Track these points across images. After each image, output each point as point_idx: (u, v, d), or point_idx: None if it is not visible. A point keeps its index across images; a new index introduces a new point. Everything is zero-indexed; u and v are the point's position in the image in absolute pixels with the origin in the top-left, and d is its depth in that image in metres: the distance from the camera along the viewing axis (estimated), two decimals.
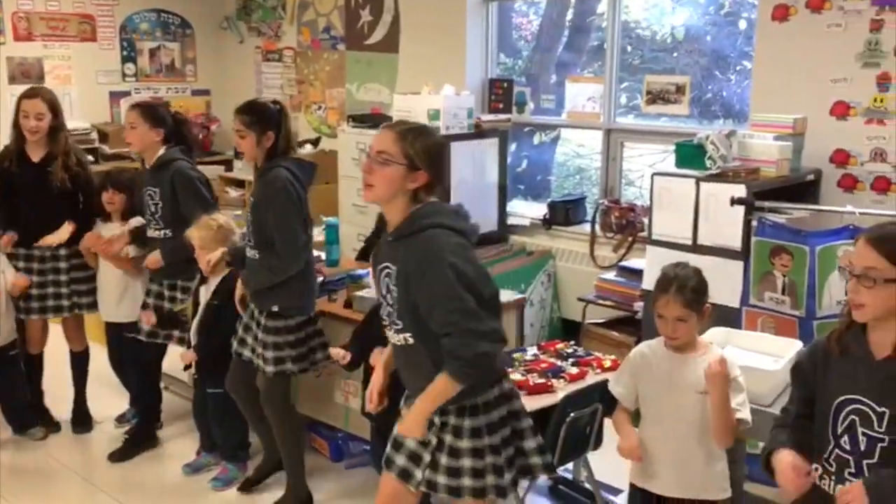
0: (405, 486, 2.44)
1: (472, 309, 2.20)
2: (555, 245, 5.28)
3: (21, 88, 4.25)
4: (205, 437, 3.79)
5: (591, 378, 3.16)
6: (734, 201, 3.58)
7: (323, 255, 4.09)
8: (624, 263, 4.67)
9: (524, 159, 6.06)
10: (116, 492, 3.63)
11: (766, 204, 3.58)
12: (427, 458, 2.39)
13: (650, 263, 3.93)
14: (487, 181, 5.31)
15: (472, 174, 5.19)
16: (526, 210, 5.66)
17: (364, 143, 4.97)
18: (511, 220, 5.52)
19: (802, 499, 1.97)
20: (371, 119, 5.55)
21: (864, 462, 1.85)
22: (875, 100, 4.02)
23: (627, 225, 4.87)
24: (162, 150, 3.69)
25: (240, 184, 6.36)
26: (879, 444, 1.83)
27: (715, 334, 3.20)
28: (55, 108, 3.82)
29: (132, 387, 4.10)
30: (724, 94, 5.16)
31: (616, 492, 3.39)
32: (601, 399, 2.99)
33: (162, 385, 4.20)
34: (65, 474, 3.78)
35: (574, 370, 3.21)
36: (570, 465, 3.47)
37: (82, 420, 4.16)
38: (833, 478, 1.92)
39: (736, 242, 3.63)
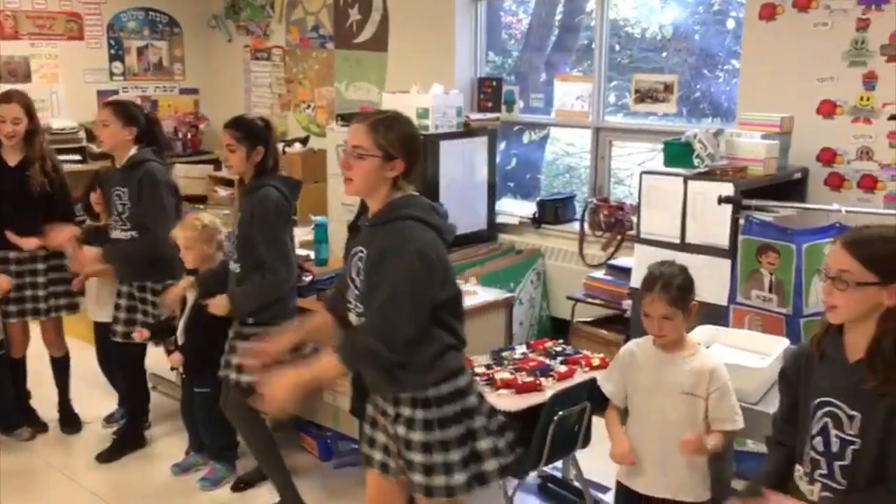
0: (387, 479, 2.46)
1: (402, 313, 2.23)
2: (544, 244, 5.29)
3: (7, 87, 4.24)
4: (193, 437, 3.77)
5: (580, 376, 3.17)
6: (722, 200, 3.59)
7: (312, 255, 4.09)
8: (613, 262, 4.68)
9: (513, 158, 6.06)
10: (104, 492, 3.61)
11: (754, 202, 3.59)
12: (393, 447, 2.42)
13: (639, 262, 3.94)
14: (476, 180, 5.31)
15: (462, 173, 5.19)
16: (515, 209, 5.66)
17: None
18: (500, 219, 5.52)
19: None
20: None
21: (836, 464, 1.86)
22: (861, 98, 4.04)
23: (616, 223, 4.88)
24: (134, 150, 3.65)
25: (228, 182, 6.34)
26: (851, 447, 1.84)
27: (702, 332, 3.21)
28: (31, 112, 3.79)
29: (119, 387, 4.08)
30: (713, 93, 5.17)
31: (604, 489, 3.40)
32: (589, 397, 3.00)
33: (150, 385, 4.19)
34: (52, 475, 3.76)
35: (562, 368, 3.22)
36: (558, 464, 3.47)
37: (70, 421, 4.14)
38: (807, 478, 1.94)
39: (723, 241, 3.65)
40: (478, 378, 3.17)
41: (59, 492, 3.64)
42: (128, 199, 3.62)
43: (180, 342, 3.54)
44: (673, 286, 2.41)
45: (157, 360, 4.04)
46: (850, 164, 4.12)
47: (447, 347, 2.34)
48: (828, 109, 4.14)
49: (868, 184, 4.08)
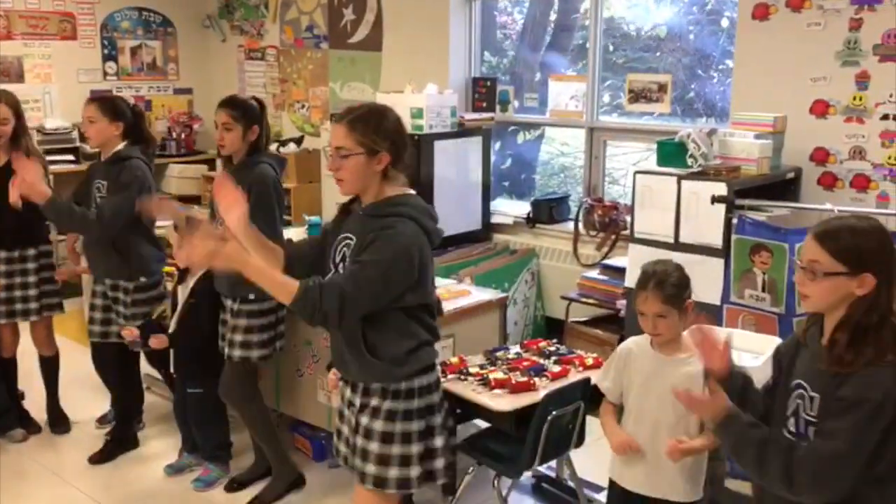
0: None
1: (367, 287, 2.24)
2: (538, 243, 5.29)
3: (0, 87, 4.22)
4: (186, 438, 3.77)
5: (574, 376, 3.17)
6: (715, 199, 3.60)
7: None
8: (607, 262, 4.69)
9: (508, 158, 6.07)
10: (98, 494, 3.60)
11: (747, 202, 3.60)
12: (351, 440, 2.48)
13: (633, 262, 3.94)
14: (471, 180, 5.32)
15: (456, 173, 5.19)
16: (510, 208, 5.66)
17: None
18: (494, 219, 5.52)
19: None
20: None
21: (802, 444, 1.91)
22: (854, 98, 4.05)
23: (610, 223, 4.88)
24: (121, 146, 3.64)
25: None
26: (811, 428, 1.89)
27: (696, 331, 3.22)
28: (18, 112, 3.78)
29: (112, 385, 4.05)
30: (707, 93, 5.18)
31: (598, 489, 3.40)
32: (583, 397, 3.01)
33: (144, 386, 4.18)
34: (45, 476, 3.75)
35: (556, 368, 3.22)
36: (552, 463, 3.47)
37: (59, 421, 4.13)
38: None
39: (717, 240, 3.65)
40: (472, 378, 3.18)
41: (52, 493, 3.63)
42: (106, 191, 3.60)
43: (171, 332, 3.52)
44: (667, 284, 2.41)
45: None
46: (842, 163, 4.13)
47: (423, 343, 2.43)
48: (821, 109, 4.15)
49: (861, 183, 4.09)
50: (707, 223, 3.67)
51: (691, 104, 5.19)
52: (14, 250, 3.84)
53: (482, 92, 5.71)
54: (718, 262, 3.65)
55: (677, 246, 3.77)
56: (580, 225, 5.05)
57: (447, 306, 3.61)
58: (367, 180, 2.36)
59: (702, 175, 3.74)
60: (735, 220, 3.58)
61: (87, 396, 4.28)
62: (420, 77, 5.26)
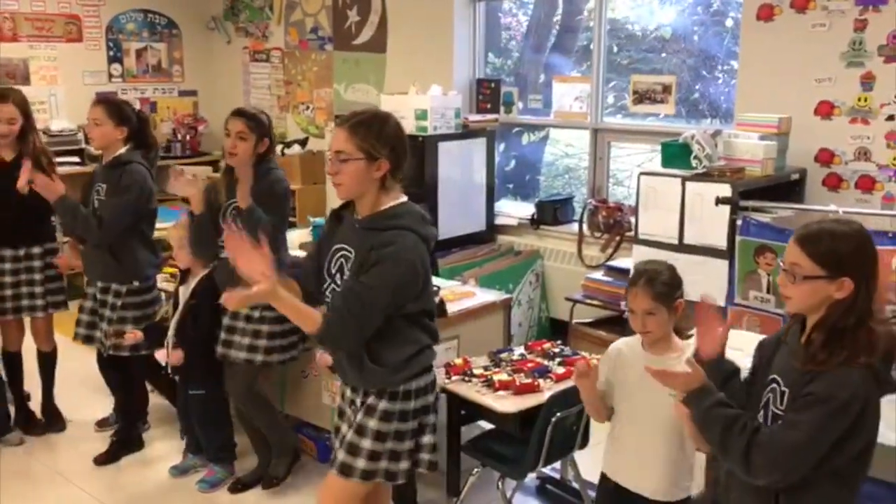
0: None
1: (375, 308, 2.29)
2: (542, 245, 5.29)
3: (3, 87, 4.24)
4: (191, 439, 3.77)
5: None
6: (719, 201, 3.59)
7: None
8: (611, 263, 4.69)
9: (512, 159, 6.07)
10: (103, 494, 3.61)
11: (751, 203, 3.60)
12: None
13: (637, 263, 3.94)
14: (475, 181, 5.32)
15: (460, 174, 5.19)
16: (514, 210, 5.67)
17: None
18: (499, 220, 5.53)
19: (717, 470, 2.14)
20: None
21: (765, 430, 1.94)
22: (859, 99, 4.04)
23: (615, 224, 4.88)
24: (122, 150, 3.65)
25: None
26: (778, 422, 1.93)
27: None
28: (26, 111, 3.80)
29: (115, 388, 4.03)
30: (711, 94, 5.18)
31: None
32: None
33: (149, 388, 4.18)
34: (51, 477, 3.76)
35: (561, 370, 3.22)
36: (557, 465, 3.47)
37: (54, 418, 4.14)
38: None
39: (721, 241, 3.65)
40: (476, 379, 3.18)
41: (57, 493, 3.63)
42: (104, 194, 3.62)
43: (171, 342, 3.53)
44: (657, 281, 2.41)
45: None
46: (847, 164, 4.12)
47: (424, 347, 2.46)
48: (825, 110, 4.14)
49: (866, 184, 4.08)
50: (711, 224, 3.67)
51: (696, 105, 5.19)
52: (20, 248, 3.86)
53: (486, 93, 5.71)
54: (723, 264, 3.64)
55: (681, 247, 3.77)
56: (584, 226, 5.04)
57: (451, 308, 3.62)
58: (364, 186, 2.35)
59: (706, 176, 3.74)
60: (739, 222, 3.58)
61: (87, 396, 4.29)
62: (424, 78, 5.27)
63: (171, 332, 3.53)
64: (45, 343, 4.08)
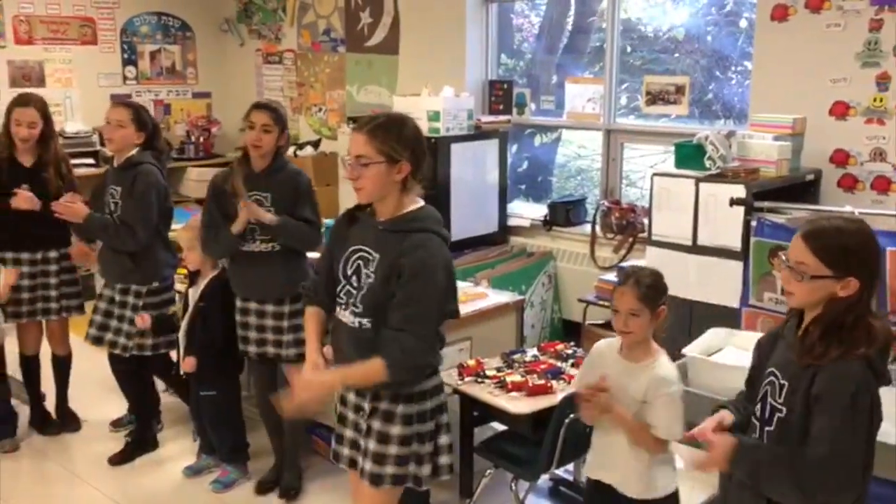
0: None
1: (436, 320, 2.36)
2: (555, 246, 5.28)
3: (22, 91, 4.28)
4: (204, 440, 3.79)
5: None
6: (733, 202, 3.58)
7: None
8: (624, 264, 4.67)
9: (525, 160, 6.06)
10: (117, 494, 3.63)
11: (766, 204, 3.58)
12: (362, 444, 2.46)
13: (651, 264, 3.92)
14: (488, 182, 5.32)
15: (473, 175, 5.19)
16: (526, 211, 5.66)
17: None
18: (511, 222, 5.52)
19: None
20: None
21: (765, 429, 1.97)
22: (875, 100, 4.01)
23: (628, 226, 4.87)
24: (134, 152, 3.67)
25: None
26: (777, 415, 1.94)
27: (715, 335, 3.20)
28: (46, 115, 3.84)
29: (127, 390, 4.02)
30: (725, 95, 5.15)
31: None
32: None
33: (163, 388, 4.20)
34: (66, 478, 3.78)
35: (573, 371, 3.21)
36: (570, 466, 3.46)
37: (68, 419, 4.17)
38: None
39: (735, 243, 3.63)
40: (489, 380, 3.18)
41: (72, 493, 3.66)
42: (120, 197, 3.64)
43: (181, 344, 3.54)
44: (643, 284, 2.44)
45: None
46: (863, 165, 4.09)
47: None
48: (841, 110, 4.11)
49: (882, 185, 4.05)
50: (725, 226, 3.65)
51: (709, 106, 5.17)
52: (37, 252, 3.89)
53: (499, 94, 5.71)
54: (737, 265, 3.62)
55: (695, 248, 3.75)
56: (597, 227, 5.03)
57: (464, 309, 3.60)
58: (386, 189, 2.34)
59: (720, 177, 3.72)
60: (754, 223, 3.56)
61: (102, 397, 4.31)
62: (437, 80, 5.27)
63: (181, 334, 3.55)
64: (60, 347, 4.11)
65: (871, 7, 3.96)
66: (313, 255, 3.42)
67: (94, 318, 3.81)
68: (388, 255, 2.33)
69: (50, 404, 4.22)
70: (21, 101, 3.80)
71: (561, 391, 3.06)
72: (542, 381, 3.11)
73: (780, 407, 1.93)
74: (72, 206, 3.61)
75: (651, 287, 2.44)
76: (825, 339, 1.86)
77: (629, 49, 5.40)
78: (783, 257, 1.95)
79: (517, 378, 3.15)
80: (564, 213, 5.31)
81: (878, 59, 3.98)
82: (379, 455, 2.42)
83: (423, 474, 2.46)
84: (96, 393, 4.37)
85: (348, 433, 2.54)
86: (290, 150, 5.57)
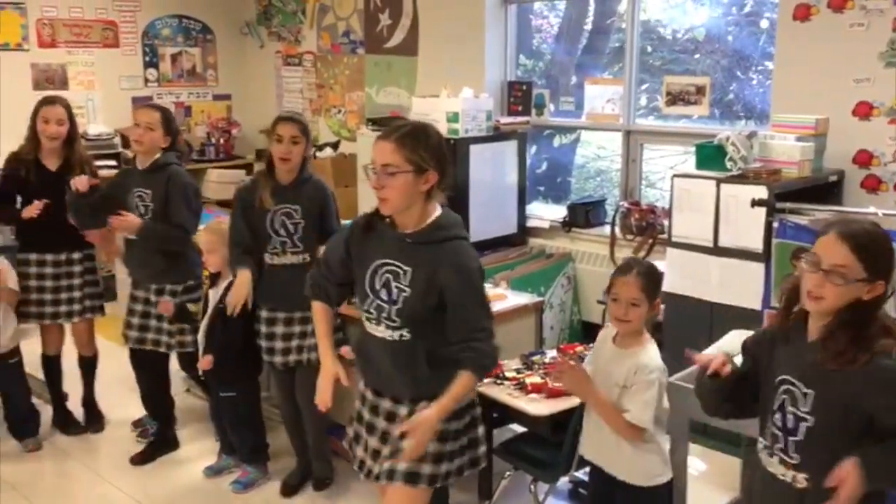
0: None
1: (490, 315, 2.39)
2: (574, 247, 5.27)
3: (49, 94, 4.33)
4: (224, 440, 3.80)
5: None
6: (755, 203, 3.55)
7: None
8: None
9: (544, 161, 6.05)
10: (138, 494, 3.66)
11: (788, 205, 3.55)
12: (386, 450, 2.42)
13: (671, 266, 3.91)
14: (506, 183, 5.31)
15: (492, 177, 5.19)
16: (545, 212, 5.65)
17: None
18: (530, 223, 5.51)
19: (751, 467, 2.11)
20: (390, 122, 5.56)
21: (790, 439, 1.92)
22: None
23: (648, 227, 4.84)
24: (159, 155, 3.71)
25: None
26: (803, 424, 1.90)
27: (736, 336, 3.17)
28: (72, 117, 3.91)
29: (147, 390, 4.01)
30: (746, 95, 5.12)
31: None
32: None
33: (184, 388, 4.23)
34: (87, 477, 3.82)
35: None
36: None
37: (94, 419, 4.21)
38: (768, 451, 2.00)
39: (757, 244, 3.61)
40: (508, 382, 3.17)
41: (93, 493, 3.69)
42: (150, 200, 3.67)
43: (201, 345, 3.56)
44: (647, 275, 2.54)
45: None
46: (886, 166, 4.04)
47: None
48: (864, 111, 4.07)
49: None
50: (747, 227, 3.62)
51: (730, 106, 5.13)
52: (61, 253, 3.93)
53: (518, 95, 5.70)
54: (759, 267, 3.60)
55: (716, 250, 3.73)
56: (617, 228, 5.01)
57: None
58: (411, 199, 2.30)
59: (741, 178, 3.69)
60: (776, 224, 3.53)
61: (124, 396, 4.34)
62: (456, 81, 5.27)
63: (200, 336, 3.56)
64: (87, 348, 4.15)
65: (895, 6, 3.92)
66: None
67: (131, 320, 3.81)
68: (422, 266, 2.31)
69: (72, 404, 4.26)
70: (48, 101, 3.88)
71: None
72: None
73: (806, 416, 1.88)
74: (126, 220, 3.64)
75: (652, 279, 2.55)
76: (855, 344, 1.82)
77: (649, 49, 5.38)
78: (812, 261, 1.87)
79: (536, 380, 3.14)
80: (584, 215, 5.29)
81: None
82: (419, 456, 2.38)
83: (452, 469, 2.45)
84: (118, 393, 4.40)
85: (373, 442, 2.48)
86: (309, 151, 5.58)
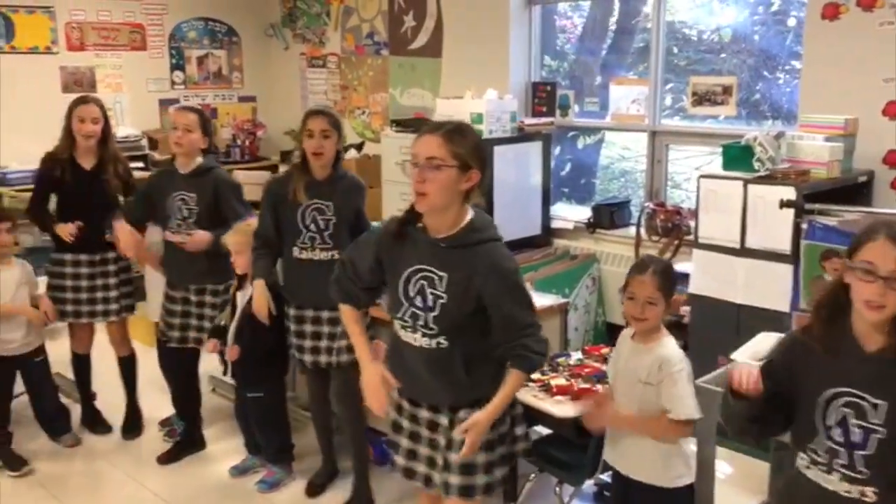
0: (432, 493, 2.47)
1: (535, 309, 2.38)
2: (599, 248, 5.25)
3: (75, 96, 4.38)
4: (250, 440, 3.83)
5: None
6: (783, 204, 3.51)
7: None
8: None
9: (568, 162, 6.03)
10: (165, 493, 3.69)
11: (817, 206, 3.51)
12: (440, 460, 2.40)
13: (697, 267, 3.88)
14: (531, 184, 5.30)
15: (516, 177, 5.18)
16: (570, 213, 5.63)
17: (407, 147, 4.99)
18: (555, 224, 5.49)
19: (789, 485, 2.04)
20: (414, 123, 5.57)
21: (857, 453, 1.86)
22: None
23: (673, 228, 4.81)
24: (200, 158, 3.75)
25: None
26: (874, 436, 1.83)
27: (764, 339, 3.14)
28: (106, 115, 3.95)
29: (176, 390, 4.05)
30: (773, 95, 5.07)
31: None
32: None
33: (210, 388, 4.25)
34: (115, 476, 3.85)
35: None
36: None
37: (133, 426, 4.22)
38: (823, 468, 1.93)
39: (785, 246, 3.57)
40: (533, 384, 3.16)
41: (120, 492, 3.72)
42: (195, 203, 3.70)
43: (229, 345, 3.57)
44: (663, 273, 2.52)
45: (215, 363, 4.10)
46: None
47: None
48: (894, 111, 4.02)
49: None
50: (775, 228, 3.59)
51: (757, 106, 5.08)
52: (96, 254, 3.97)
53: (542, 96, 5.68)
54: (787, 269, 3.56)
55: (743, 251, 3.69)
56: (642, 230, 4.98)
57: None
58: (451, 198, 2.24)
59: (769, 179, 3.66)
60: (805, 226, 3.49)
61: (152, 396, 4.37)
62: (480, 82, 5.27)
63: (229, 338, 3.57)
64: (123, 347, 4.19)
65: None
66: None
67: (171, 321, 3.83)
68: (459, 271, 2.27)
69: (101, 402, 4.29)
70: (83, 100, 3.93)
71: None
72: (587, 385, 3.09)
73: (877, 428, 1.82)
74: (195, 240, 3.67)
75: (668, 277, 2.54)
76: None
77: (674, 49, 5.34)
78: (866, 269, 1.80)
79: (562, 381, 3.13)
80: (608, 216, 5.27)
81: None
82: (467, 466, 2.36)
83: (503, 473, 2.45)
84: (145, 392, 4.43)
85: (423, 450, 2.46)
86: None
